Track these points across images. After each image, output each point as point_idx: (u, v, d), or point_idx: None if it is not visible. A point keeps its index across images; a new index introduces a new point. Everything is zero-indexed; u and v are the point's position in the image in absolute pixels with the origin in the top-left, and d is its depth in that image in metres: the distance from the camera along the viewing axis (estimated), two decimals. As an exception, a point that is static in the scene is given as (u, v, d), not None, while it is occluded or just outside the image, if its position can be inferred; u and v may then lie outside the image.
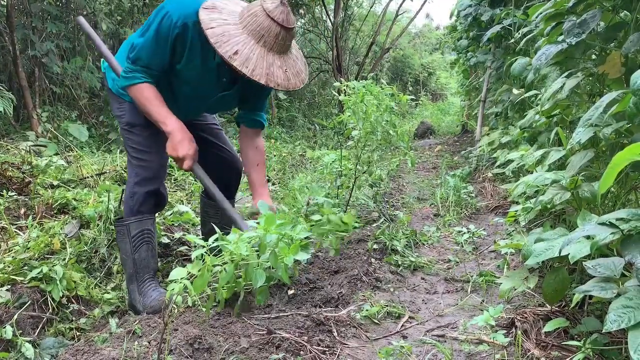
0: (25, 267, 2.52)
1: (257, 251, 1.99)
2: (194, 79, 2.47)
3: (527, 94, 3.88)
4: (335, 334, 2.28)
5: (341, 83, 3.92)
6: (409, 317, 2.53)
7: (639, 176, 2.29)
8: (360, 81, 3.88)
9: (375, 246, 3.35)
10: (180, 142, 2.35)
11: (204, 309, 2.24)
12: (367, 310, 2.50)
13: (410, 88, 18.60)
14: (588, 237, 1.77)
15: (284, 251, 1.82)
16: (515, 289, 2.39)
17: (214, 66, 2.42)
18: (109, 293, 2.67)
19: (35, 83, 6.11)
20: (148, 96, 2.37)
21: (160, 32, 2.29)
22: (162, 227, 3.31)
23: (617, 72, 2.38)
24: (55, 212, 3.28)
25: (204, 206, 3.03)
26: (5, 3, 5.58)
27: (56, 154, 4.88)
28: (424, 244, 3.69)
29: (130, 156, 2.57)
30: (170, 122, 2.36)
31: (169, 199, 3.79)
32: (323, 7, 11.75)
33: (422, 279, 3.07)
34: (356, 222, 3.19)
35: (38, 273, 2.44)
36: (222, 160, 2.86)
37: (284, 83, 2.29)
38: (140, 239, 2.51)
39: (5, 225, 2.91)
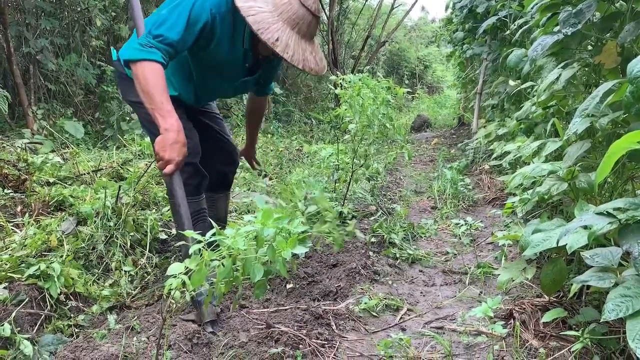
0: (23, 265, 2.51)
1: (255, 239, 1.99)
2: (219, 64, 2.47)
3: (523, 86, 3.87)
4: (334, 327, 2.28)
5: (337, 77, 3.91)
6: (408, 310, 2.54)
7: (635, 166, 2.29)
8: (357, 74, 3.87)
9: (373, 239, 3.35)
10: (174, 144, 2.17)
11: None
12: (365, 303, 2.50)
13: (407, 81, 18.58)
14: (585, 227, 1.78)
15: (282, 245, 1.81)
16: (513, 280, 2.39)
17: (241, 53, 2.44)
18: (107, 289, 2.67)
19: (30, 80, 6.08)
20: (157, 80, 2.19)
21: (191, 17, 2.22)
22: (159, 223, 3.31)
23: (613, 62, 2.37)
24: (51, 209, 3.27)
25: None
26: (-2, 0, 5.55)
27: (52, 151, 4.86)
28: (421, 237, 3.69)
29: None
30: (171, 119, 2.18)
31: (166, 195, 3.78)
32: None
33: (420, 271, 3.08)
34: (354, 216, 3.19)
35: (35, 270, 2.43)
36: (223, 150, 2.86)
37: (315, 68, 2.34)
38: (196, 219, 2.51)
39: (1, 223, 2.90)
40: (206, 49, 2.37)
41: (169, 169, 2.19)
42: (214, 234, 1.80)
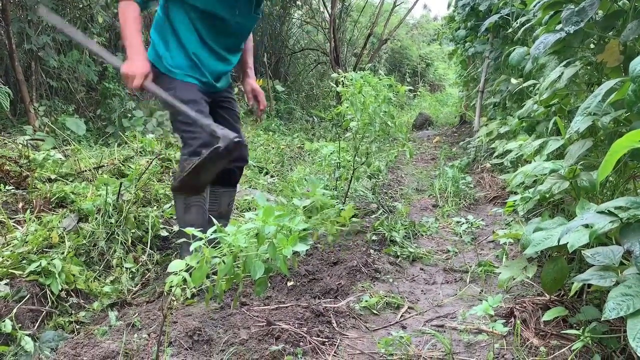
0: (24, 261, 2.51)
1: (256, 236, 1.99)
2: (211, 3, 2.60)
3: (525, 84, 3.87)
4: (335, 324, 2.28)
5: (339, 74, 3.90)
6: (408, 308, 2.54)
7: (637, 165, 2.29)
8: (358, 72, 3.87)
9: (374, 237, 3.35)
10: (132, 60, 2.50)
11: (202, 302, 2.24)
12: (366, 301, 2.50)
13: (408, 79, 18.54)
14: (587, 226, 1.77)
15: (283, 242, 1.81)
16: (514, 279, 2.39)
17: None
18: (108, 286, 2.67)
19: (31, 77, 6.08)
20: (132, 16, 2.52)
21: None
22: (160, 220, 3.31)
23: (615, 60, 2.37)
24: (53, 206, 3.27)
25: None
26: (0, -4, 5.55)
27: (54, 148, 4.86)
28: (422, 235, 3.69)
29: (180, 131, 2.64)
30: (134, 45, 2.51)
31: (167, 192, 3.78)
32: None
33: (421, 269, 3.08)
34: (355, 214, 3.19)
35: (37, 267, 2.44)
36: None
37: None
38: (192, 203, 2.66)
39: (3, 220, 2.91)
40: None
41: (136, 82, 2.48)
42: (214, 231, 1.80)
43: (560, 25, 2.41)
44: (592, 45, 2.74)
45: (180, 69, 2.68)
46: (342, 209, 3.66)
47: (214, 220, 1.93)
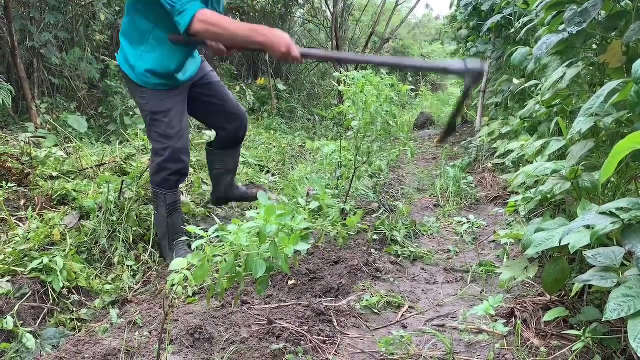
0: (26, 258, 2.52)
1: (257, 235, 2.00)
2: None
3: (527, 84, 3.87)
4: (336, 324, 2.29)
5: (341, 73, 3.90)
6: (409, 307, 2.54)
7: (639, 166, 2.29)
8: (360, 71, 3.87)
9: (375, 237, 3.35)
10: (273, 36, 2.36)
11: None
12: (367, 300, 2.51)
13: (410, 78, 18.52)
14: (588, 227, 1.77)
15: (284, 241, 1.81)
16: (515, 279, 2.39)
17: None
18: (109, 284, 2.68)
19: (33, 74, 6.08)
20: (218, 19, 2.39)
21: None
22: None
23: (618, 61, 2.37)
24: (55, 203, 3.28)
25: (208, 155, 3.42)
26: (3, -7, 5.55)
27: (55, 145, 4.86)
28: (423, 235, 3.69)
29: (154, 140, 2.85)
30: (258, 28, 2.38)
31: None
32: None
33: (422, 269, 3.08)
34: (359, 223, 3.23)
35: (38, 264, 2.44)
36: (229, 114, 3.16)
37: None
38: (174, 208, 2.93)
39: (5, 217, 2.91)
40: None
41: (293, 55, 2.37)
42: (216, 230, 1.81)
43: (563, 26, 2.41)
44: (594, 46, 2.74)
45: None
46: (343, 208, 3.67)
47: (217, 220, 1.93)
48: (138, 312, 2.37)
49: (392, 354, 2.06)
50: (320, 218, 2.75)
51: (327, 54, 2.53)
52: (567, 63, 2.66)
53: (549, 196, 2.45)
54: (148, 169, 3.21)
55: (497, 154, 5.00)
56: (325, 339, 2.13)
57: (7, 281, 2.33)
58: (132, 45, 2.77)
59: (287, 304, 2.44)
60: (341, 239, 2.46)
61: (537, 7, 2.74)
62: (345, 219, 3.26)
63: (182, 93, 2.91)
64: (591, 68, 2.68)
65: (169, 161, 2.81)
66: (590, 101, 2.03)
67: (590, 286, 2.14)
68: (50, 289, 2.42)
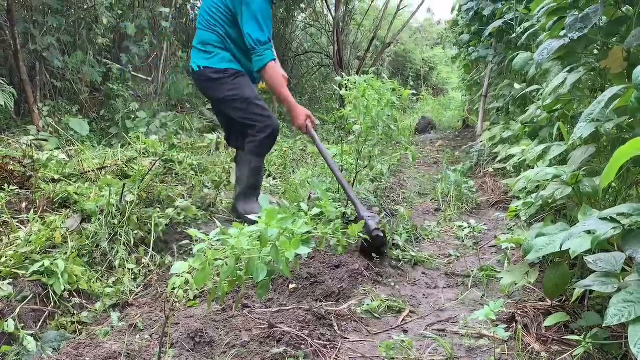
0: (27, 261, 2.52)
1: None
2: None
3: (528, 89, 3.87)
4: (336, 328, 2.29)
5: (342, 78, 3.91)
6: (410, 312, 2.54)
7: (640, 171, 2.29)
8: (362, 76, 3.88)
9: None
10: (298, 110, 3.49)
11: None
12: (368, 304, 2.51)
13: (412, 83, 18.54)
14: (589, 232, 1.78)
15: (285, 245, 1.82)
16: (516, 284, 2.39)
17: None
18: (110, 287, 2.68)
19: (36, 77, 6.09)
20: (279, 76, 3.40)
21: (264, 12, 3.23)
22: (164, 222, 3.31)
23: (619, 67, 2.37)
24: (56, 206, 3.28)
25: (235, 157, 3.89)
26: (5, -3, 5.56)
27: (57, 148, 4.87)
28: (424, 239, 3.69)
29: (253, 121, 3.47)
30: (292, 99, 3.46)
31: (170, 194, 3.80)
32: (324, 2, 11.71)
33: (423, 273, 3.08)
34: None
35: (40, 267, 2.45)
36: None
37: None
38: (258, 171, 3.59)
39: (6, 219, 2.92)
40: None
41: (305, 128, 3.55)
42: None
43: (564, 32, 2.41)
44: (595, 52, 2.74)
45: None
46: (344, 212, 3.67)
47: (218, 224, 1.94)
48: (139, 315, 2.37)
49: (393, 358, 2.06)
50: (320, 223, 2.75)
51: (319, 144, 3.55)
52: (568, 68, 2.66)
53: (550, 201, 2.45)
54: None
55: (499, 159, 5.00)
56: (325, 343, 2.13)
57: (9, 284, 2.33)
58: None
59: (287, 307, 2.44)
60: (340, 248, 2.47)
61: (538, 12, 2.75)
62: (346, 223, 3.26)
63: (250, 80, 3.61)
64: (592, 73, 2.68)
65: (273, 132, 3.52)
66: (591, 107, 2.04)
67: (591, 291, 2.14)
68: (51, 292, 2.42)
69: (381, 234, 3.04)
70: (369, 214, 3.17)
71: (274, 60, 3.31)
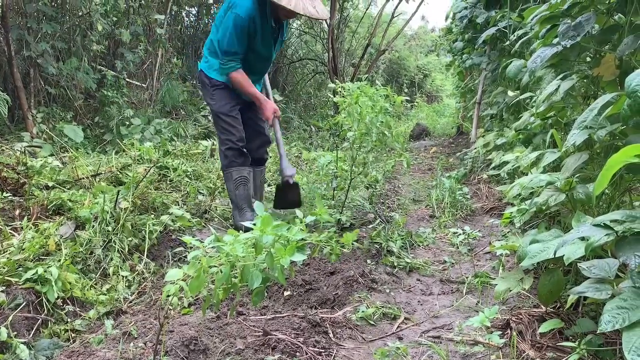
0: (20, 268, 2.51)
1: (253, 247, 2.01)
2: (262, 46, 3.59)
3: (522, 96, 3.89)
4: (331, 335, 2.28)
5: (337, 85, 3.92)
6: (405, 319, 2.54)
7: (633, 178, 2.30)
8: (355, 83, 3.89)
9: (371, 248, 3.35)
10: (267, 103, 3.71)
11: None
12: (363, 311, 2.50)
13: (406, 90, 18.61)
14: (583, 239, 1.78)
15: (280, 252, 1.82)
16: (511, 290, 2.39)
17: (270, 30, 3.55)
18: (104, 294, 2.67)
19: (30, 84, 6.08)
20: (243, 79, 3.56)
21: (237, 29, 3.36)
22: (158, 229, 3.30)
23: (611, 74, 2.39)
24: (50, 213, 3.27)
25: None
26: (0, 4, 5.55)
27: (51, 155, 4.86)
28: (419, 245, 3.70)
29: (218, 133, 3.74)
30: (260, 97, 3.67)
31: (165, 201, 3.79)
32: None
33: (418, 280, 3.08)
34: (352, 224, 3.20)
35: (33, 274, 2.43)
36: (259, 135, 3.95)
37: (313, 12, 3.30)
38: (239, 181, 3.67)
39: (0, 226, 2.90)
40: (254, 40, 3.49)
41: (270, 118, 3.72)
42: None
43: (557, 39, 2.43)
44: (588, 59, 2.77)
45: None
46: (339, 219, 3.67)
47: (213, 231, 1.93)
48: (133, 322, 2.35)
49: (388, 365, 2.05)
50: (315, 231, 2.75)
51: (277, 132, 3.86)
52: (561, 76, 2.68)
53: (543, 208, 2.46)
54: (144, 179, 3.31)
55: (493, 166, 5.02)
56: (320, 350, 2.13)
57: (2, 291, 2.32)
58: None
59: (282, 315, 2.43)
60: (334, 256, 2.47)
61: (531, 20, 2.77)
62: (341, 229, 3.26)
63: (236, 100, 3.76)
64: (585, 81, 2.70)
65: (235, 144, 3.69)
66: (584, 114, 2.05)
67: (585, 298, 2.15)
68: (44, 300, 2.41)
69: (292, 181, 3.74)
70: (291, 169, 3.81)
71: (239, 69, 3.53)
